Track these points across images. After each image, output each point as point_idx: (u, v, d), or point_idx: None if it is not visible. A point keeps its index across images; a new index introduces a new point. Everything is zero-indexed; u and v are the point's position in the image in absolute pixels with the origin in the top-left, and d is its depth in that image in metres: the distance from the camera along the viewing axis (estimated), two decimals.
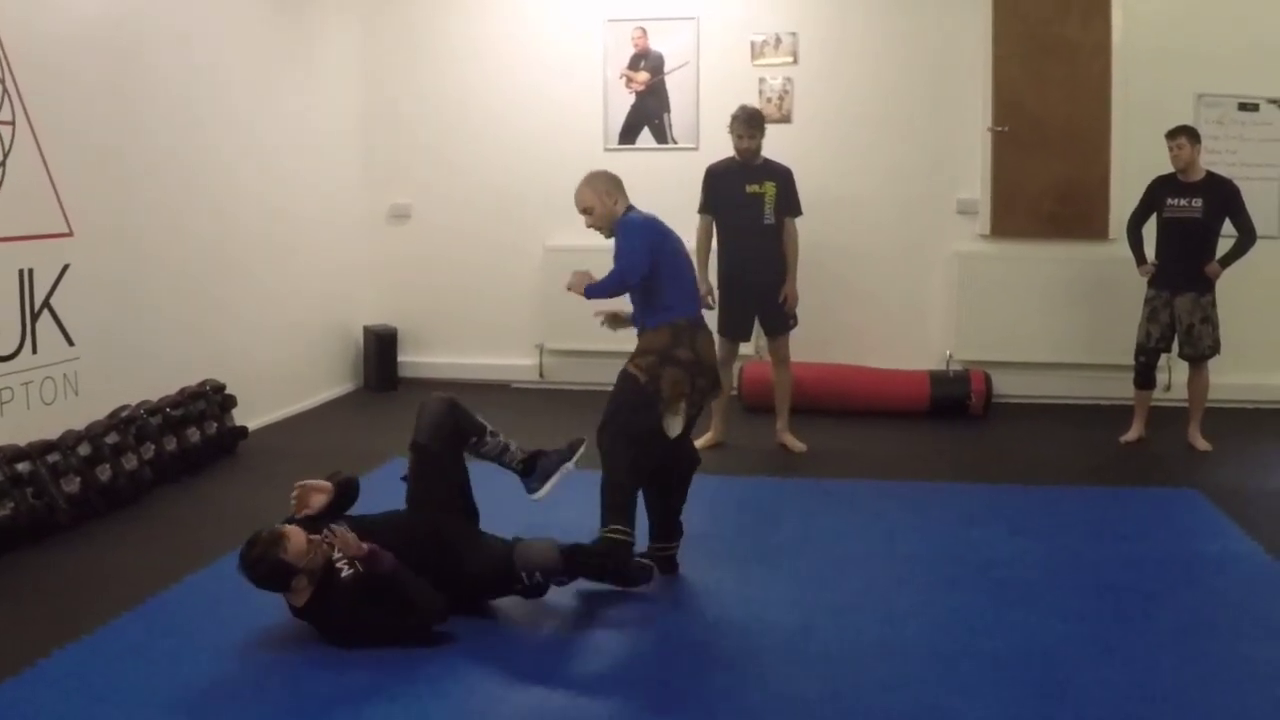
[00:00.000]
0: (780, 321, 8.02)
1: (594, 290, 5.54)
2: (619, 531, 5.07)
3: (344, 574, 4.69)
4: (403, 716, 4.13)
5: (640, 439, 5.22)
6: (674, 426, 5.32)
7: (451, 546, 4.93)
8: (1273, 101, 9.29)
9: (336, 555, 4.72)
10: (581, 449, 5.53)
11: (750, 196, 7.89)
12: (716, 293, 8.00)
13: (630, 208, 5.64)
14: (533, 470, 5.47)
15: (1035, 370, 9.65)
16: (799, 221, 8.04)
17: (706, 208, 8.05)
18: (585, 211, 5.67)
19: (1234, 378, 8.98)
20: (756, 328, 8.17)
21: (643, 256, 5.38)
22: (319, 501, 5.08)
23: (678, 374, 5.29)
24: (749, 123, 7.87)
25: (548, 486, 5.45)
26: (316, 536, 4.70)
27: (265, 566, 4.58)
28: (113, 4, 7.00)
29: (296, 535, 4.64)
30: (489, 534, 5.16)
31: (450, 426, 5.27)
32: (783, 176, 7.97)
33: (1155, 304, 8.15)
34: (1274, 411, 9.32)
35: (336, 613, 4.65)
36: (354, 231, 10.16)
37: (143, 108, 7.27)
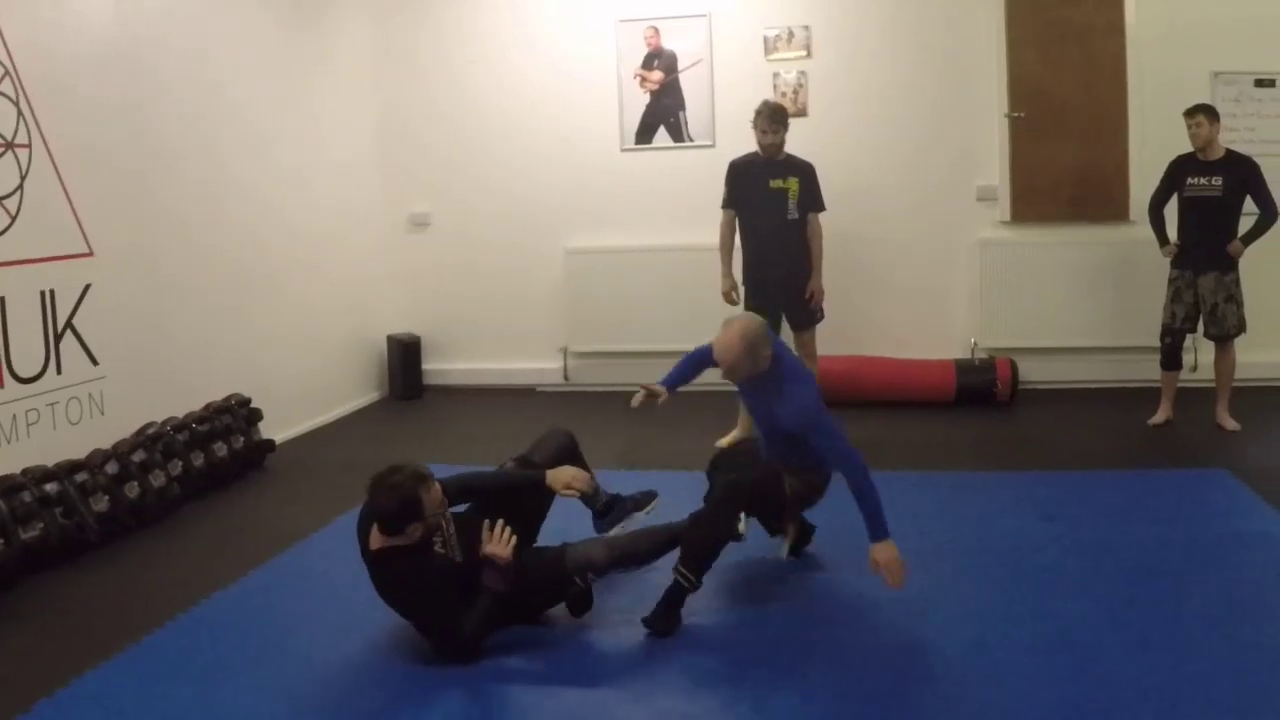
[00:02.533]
0: (806, 316, 8.01)
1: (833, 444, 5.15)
2: (688, 579, 4.96)
3: (436, 548, 4.75)
4: None
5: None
6: (781, 547, 5.57)
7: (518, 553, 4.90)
8: None
9: (439, 539, 4.78)
10: (653, 504, 5.60)
11: (773, 192, 7.87)
12: (741, 289, 7.99)
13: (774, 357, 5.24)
14: (609, 512, 5.55)
15: (1060, 355, 9.61)
16: (822, 216, 8.03)
17: (730, 202, 8.04)
18: (727, 367, 5.20)
19: (1261, 356, 8.93)
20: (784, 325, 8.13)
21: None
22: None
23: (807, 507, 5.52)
24: (773, 118, 7.85)
25: (614, 530, 5.54)
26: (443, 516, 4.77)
27: (401, 495, 4.55)
28: (127, 25, 7.03)
29: (437, 489, 4.68)
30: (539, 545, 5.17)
31: (566, 459, 5.39)
32: (805, 172, 7.96)
33: (1179, 284, 8.12)
34: None
35: (410, 572, 4.63)
36: (374, 241, 10.17)
37: (159, 126, 7.30)
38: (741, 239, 8.04)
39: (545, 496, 5.25)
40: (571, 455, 5.49)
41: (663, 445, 8.08)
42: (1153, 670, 4.40)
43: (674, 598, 4.95)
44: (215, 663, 4.74)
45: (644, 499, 5.58)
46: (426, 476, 4.65)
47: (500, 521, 4.77)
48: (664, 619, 4.92)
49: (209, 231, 7.77)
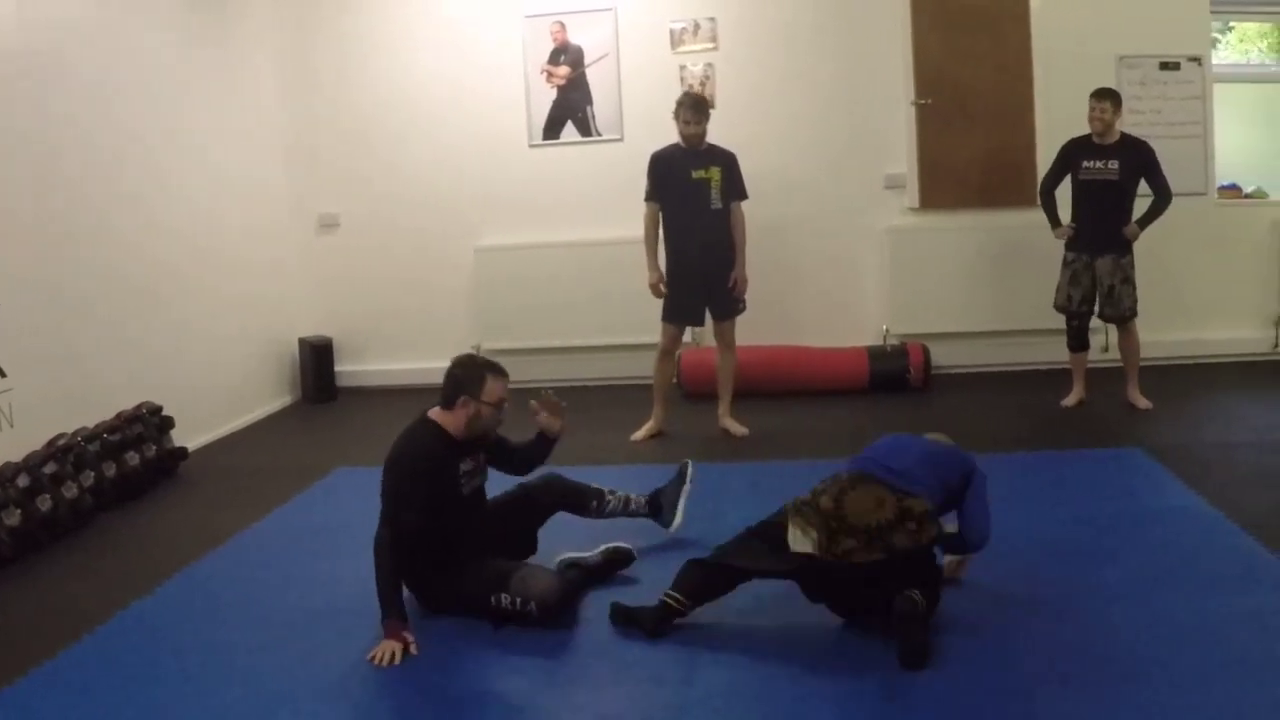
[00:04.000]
0: (728, 306, 8.00)
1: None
2: (676, 600, 4.75)
3: (463, 466, 5.05)
4: None
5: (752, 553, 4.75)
6: (796, 540, 4.58)
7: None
8: (1193, 59, 9.34)
9: (469, 464, 5.08)
10: (690, 469, 5.74)
11: (695, 182, 7.85)
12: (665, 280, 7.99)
13: None
14: (659, 509, 5.71)
15: (973, 340, 9.69)
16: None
17: (652, 195, 7.99)
18: None
19: (1169, 334, 9.08)
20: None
21: None
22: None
23: (811, 516, 4.55)
24: (696, 108, 7.85)
25: (678, 513, 5.75)
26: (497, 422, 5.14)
27: (470, 364, 5.07)
28: (26, 36, 6.88)
29: (503, 384, 5.05)
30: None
31: (560, 493, 5.57)
32: (728, 161, 7.95)
33: (1076, 267, 8.22)
34: (1209, 366, 9.43)
35: (420, 444, 4.95)
36: (283, 244, 10.06)
37: (61, 134, 7.16)
38: (665, 230, 8.01)
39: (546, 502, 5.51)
40: (565, 489, 5.62)
41: (576, 440, 8.02)
42: (1071, 645, 4.44)
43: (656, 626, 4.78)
44: (135, 674, 4.65)
45: (680, 475, 5.83)
46: (500, 369, 5.07)
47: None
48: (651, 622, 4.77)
49: (111, 242, 7.62)
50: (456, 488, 5.01)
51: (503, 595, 4.83)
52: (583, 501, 5.62)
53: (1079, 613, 4.76)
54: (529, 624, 4.83)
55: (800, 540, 4.54)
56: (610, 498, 5.70)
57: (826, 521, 4.48)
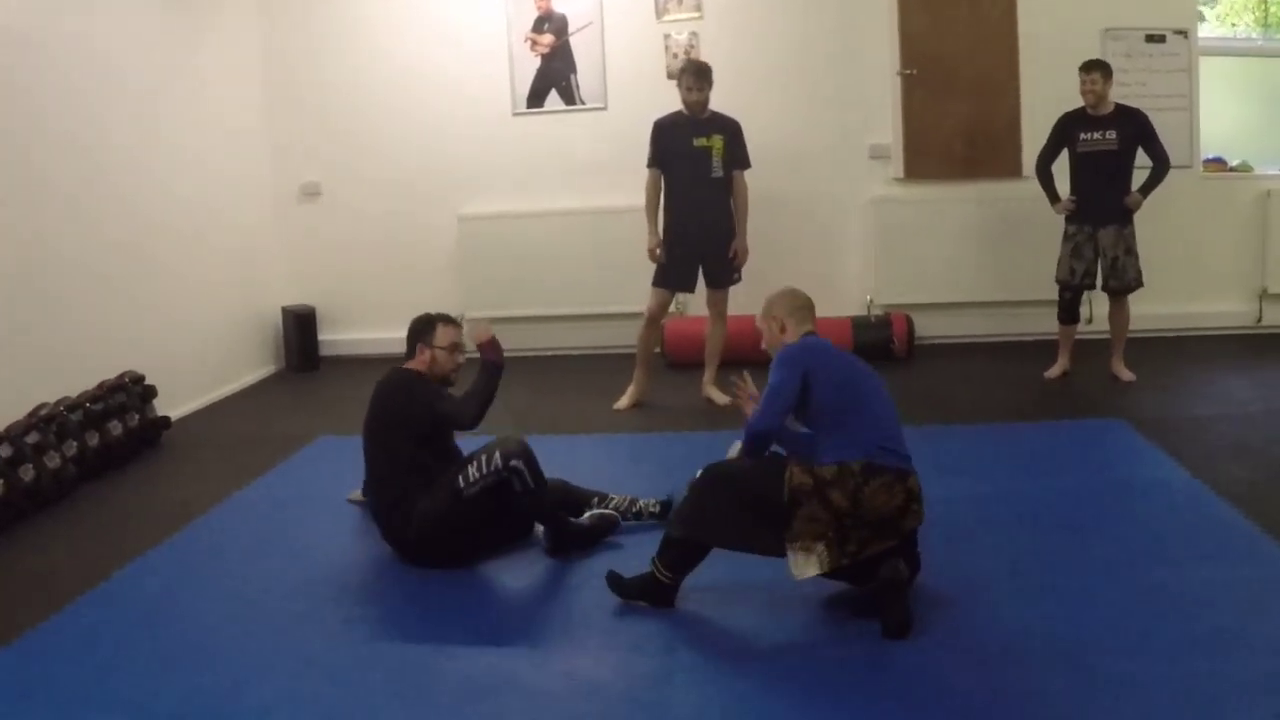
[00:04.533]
0: (725, 274, 8.01)
1: (748, 425, 4.72)
2: (664, 575, 4.69)
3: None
4: None
5: (740, 531, 4.61)
6: (800, 565, 4.46)
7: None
8: (1179, 33, 9.33)
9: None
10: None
11: (698, 150, 7.84)
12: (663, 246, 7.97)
13: (808, 334, 4.99)
14: (670, 510, 5.54)
15: (956, 310, 9.69)
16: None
17: (655, 161, 7.97)
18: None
19: (1153, 307, 9.06)
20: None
21: (785, 400, 4.64)
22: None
23: (819, 514, 4.43)
24: (698, 74, 7.84)
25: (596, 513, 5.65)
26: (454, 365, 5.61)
27: (422, 317, 5.64)
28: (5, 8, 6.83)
29: (454, 330, 5.63)
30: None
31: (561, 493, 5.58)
32: (731, 129, 7.94)
33: (1078, 239, 8.18)
34: (1193, 338, 9.46)
35: (395, 382, 5.43)
36: (265, 212, 10.02)
37: (39, 101, 7.08)
38: (666, 197, 7.99)
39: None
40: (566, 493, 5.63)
41: (557, 409, 8.03)
42: (1054, 618, 4.44)
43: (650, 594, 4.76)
44: (117, 644, 4.62)
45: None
46: (450, 318, 5.63)
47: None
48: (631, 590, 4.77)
49: (92, 208, 7.56)
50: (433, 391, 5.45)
51: (470, 469, 5.13)
52: (581, 506, 5.61)
53: (1060, 583, 4.76)
54: (511, 491, 5.12)
55: (804, 565, 4.45)
56: (614, 497, 5.68)
57: (839, 520, 4.41)
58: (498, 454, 5.09)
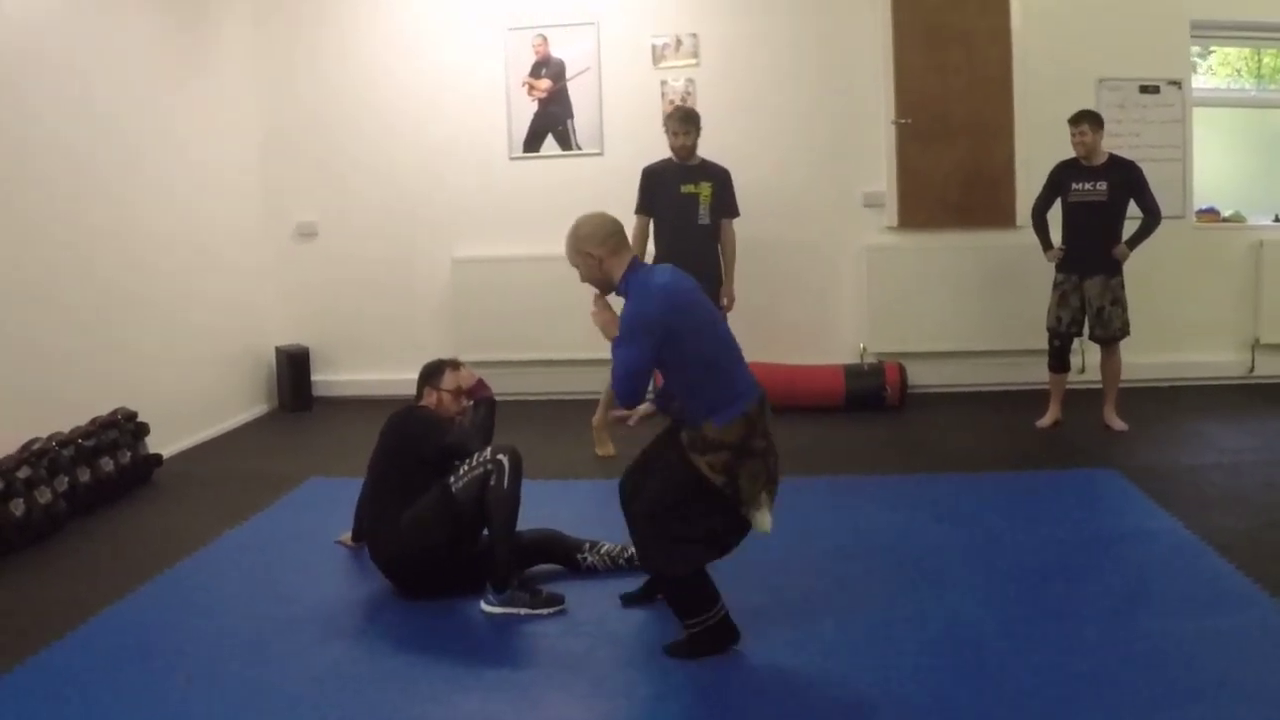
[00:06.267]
0: None
1: (615, 353, 4.78)
2: (698, 624, 4.62)
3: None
4: None
5: (709, 541, 4.65)
6: (764, 520, 4.64)
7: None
8: (1173, 83, 9.39)
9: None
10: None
11: (684, 196, 7.87)
12: None
13: (635, 263, 4.88)
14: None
15: (949, 359, 9.70)
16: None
17: (643, 208, 7.99)
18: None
19: (1146, 357, 9.08)
20: None
21: (643, 375, 4.71)
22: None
23: (755, 466, 4.59)
24: (684, 119, 7.88)
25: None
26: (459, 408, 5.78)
27: (435, 363, 5.85)
28: (2, 30, 6.84)
29: (465, 374, 5.79)
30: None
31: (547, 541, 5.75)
32: (719, 177, 7.98)
33: (1065, 288, 8.21)
34: (1186, 389, 9.47)
35: (405, 415, 5.62)
36: (260, 252, 10.03)
37: (32, 142, 7.09)
38: (655, 244, 8.00)
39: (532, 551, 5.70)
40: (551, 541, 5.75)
41: (549, 454, 8.02)
42: (1046, 668, 4.42)
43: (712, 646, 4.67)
44: (105, 681, 4.60)
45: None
46: (459, 363, 5.88)
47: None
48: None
49: (83, 245, 7.56)
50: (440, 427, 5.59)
51: (462, 467, 5.30)
52: (571, 553, 5.69)
53: (1051, 632, 4.74)
54: (497, 483, 5.17)
55: (766, 517, 4.65)
56: (605, 544, 5.69)
57: (765, 459, 4.66)
58: (488, 449, 5.30)
